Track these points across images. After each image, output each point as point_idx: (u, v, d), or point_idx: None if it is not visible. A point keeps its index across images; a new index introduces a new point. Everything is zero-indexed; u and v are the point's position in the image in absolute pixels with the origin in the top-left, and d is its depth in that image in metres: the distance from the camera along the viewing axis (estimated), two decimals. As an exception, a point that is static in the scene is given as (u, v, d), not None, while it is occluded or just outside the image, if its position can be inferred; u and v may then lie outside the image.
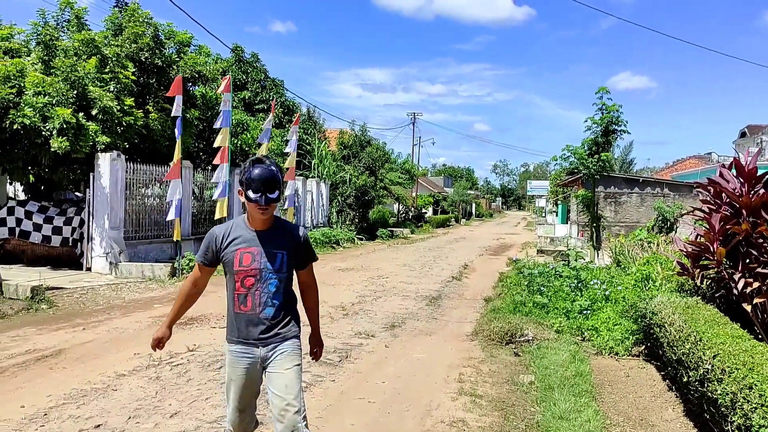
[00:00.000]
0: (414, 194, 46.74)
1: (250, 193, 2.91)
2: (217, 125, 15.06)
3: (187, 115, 15.39)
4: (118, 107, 13.09)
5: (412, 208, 44.01)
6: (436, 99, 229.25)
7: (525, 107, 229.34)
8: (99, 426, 4.53)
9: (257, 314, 3.04)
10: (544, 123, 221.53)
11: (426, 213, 49.09)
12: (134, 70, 14.37)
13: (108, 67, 13.71)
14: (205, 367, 6.15)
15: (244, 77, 25.94)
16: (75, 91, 12.53)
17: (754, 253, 5.63)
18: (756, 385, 3.38)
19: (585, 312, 8.44)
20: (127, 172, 13.74)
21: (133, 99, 13.83)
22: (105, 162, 13.16)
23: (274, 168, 2.95)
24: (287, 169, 19.99)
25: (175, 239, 13.22)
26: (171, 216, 13.01)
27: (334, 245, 22.41)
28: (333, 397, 5.39)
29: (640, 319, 6.83)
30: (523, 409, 5.18)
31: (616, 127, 16.46)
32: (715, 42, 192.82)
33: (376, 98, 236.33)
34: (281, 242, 3.05)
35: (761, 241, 5.62)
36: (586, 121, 16.69)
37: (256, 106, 25.50)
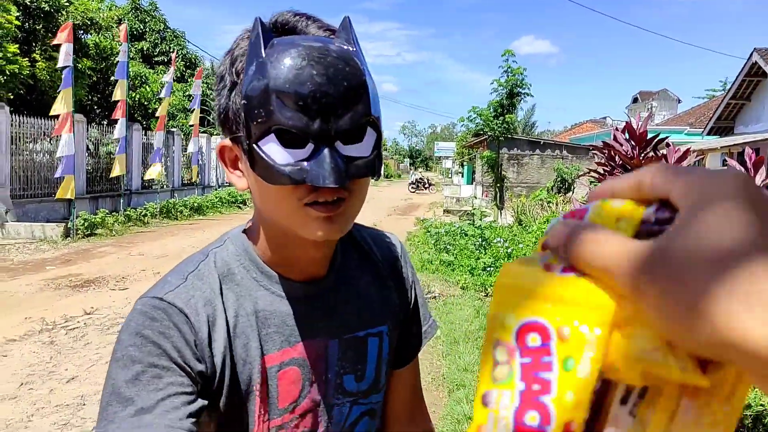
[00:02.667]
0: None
1: (269, 147, 0.70)
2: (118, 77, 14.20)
3: (79, 65, 14.34)
4: (0, 54, 11.99)
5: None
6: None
7: (435, 69, 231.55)
8: (-13, 395, 4.26)
9: None
10: (453, 85, 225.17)
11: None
12: (18, 14, 13.18)
13: (-14, 9, 12.48)
14: (104, 331, 5.89)
15: (142, 27, 24.46)
16: (-53, 34, 11.37)
17: (642, 211, 6.03)
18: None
19: (488, 269, 8.78)
20: (12, 125, 12.67)
21: (17, 46, 12.71)
22: (-14, 114, 12.09)
23: (348, 59, 0.77)
24: (191, 126, 19.20)
25: (67, 197, 12.41)
26: (62, 173, 12.19)
27: (241, 204, 21.94)
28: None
29: (538, 275, 7.20)
30: (429, 363, 5.36)
31: (521, 90, 17.03)
32: (613, 9, 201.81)
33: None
34: (371, 302, 0.94)
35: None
36: (492, 83, 17.16)
37: (156, 59, 24.19)
